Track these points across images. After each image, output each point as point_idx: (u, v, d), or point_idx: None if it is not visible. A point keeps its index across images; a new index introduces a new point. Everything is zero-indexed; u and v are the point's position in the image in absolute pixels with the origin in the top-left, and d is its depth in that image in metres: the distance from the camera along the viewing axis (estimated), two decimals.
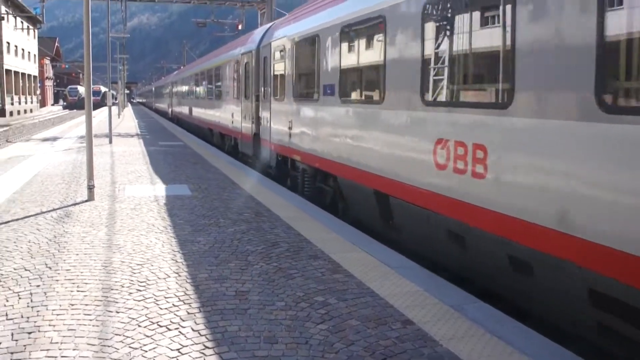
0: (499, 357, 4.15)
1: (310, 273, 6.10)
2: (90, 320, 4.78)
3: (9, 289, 5.50)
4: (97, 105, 72.20)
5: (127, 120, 43.72)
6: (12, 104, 61.67)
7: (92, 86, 10.78)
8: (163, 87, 57.91)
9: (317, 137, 10.43)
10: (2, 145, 26.13)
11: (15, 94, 63.59)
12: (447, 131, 6.32)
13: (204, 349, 4.26)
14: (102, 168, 14.51)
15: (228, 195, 10.80)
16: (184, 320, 4.78)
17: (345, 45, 9.28)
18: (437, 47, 6.65)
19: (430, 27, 6.74)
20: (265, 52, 14.52)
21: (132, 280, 5.80)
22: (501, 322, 4.81)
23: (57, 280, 5.77)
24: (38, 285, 5.61)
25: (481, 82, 6.19)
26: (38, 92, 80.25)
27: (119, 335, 4.49)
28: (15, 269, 6.11)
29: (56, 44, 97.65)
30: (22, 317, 4.82)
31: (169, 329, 4.61)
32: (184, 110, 35.47)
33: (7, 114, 57.17)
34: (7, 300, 5.20)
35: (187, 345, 4.31)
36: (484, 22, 5.93)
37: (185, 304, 5.17)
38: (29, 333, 4.50)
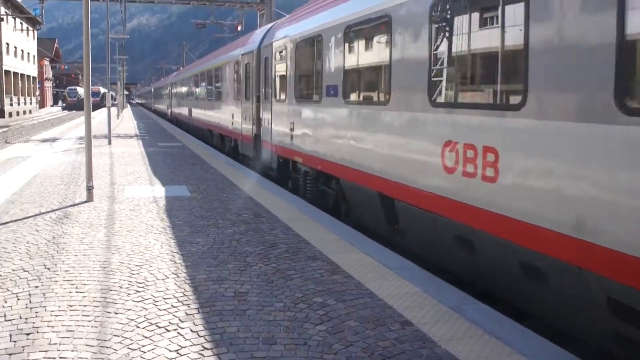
0: (497, 358, 4.15)
1: (309, 274, 6.10)
2: (89, 321, 4.77)
3: (8, 290, 5.49)
4: (96, 106, 72.18)
5: (126, 121, 43.71)
6: (11, 104, 61.64)
7: (91, 87, 10.78)
8: (162, 88, 57.90)
9: (320, 139, 10.26)
10: (1, 147, 26.10)
11: (15, 95, 63.57)
12: (456, 133, 6.14)
13: (202, 350, 4.26)
14: (101, 169, 14.50)
15: (227, 196, 10.79)
16: (182, 321, 4.78)
17: (349, 46, 9.13)
18: (446, 47, 6.48)
19: (438, 26, 6.56)
20: (267, 53, 14.37)
21: (130, 281, 5.80)
22: (500, 323, 4.81)
23: (55, 282, 5.76)
24: (37, 287, 5.60)
25: (492, 83, 5.93)
26: (37, 93, 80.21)
27: (118, 336, 4.48)
28: (13, 270, 6.11)
29: (55, 45, 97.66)
30: (20, 318, 4.82)
31: (168, 330, 4.60)
32: (184, 111, 35.44)
33: (6, 115, 57.15)
34: (6, 302, 5.20)
35: (185, 346, 4.31)
36: (495, 21, 5.70)
37: (184, 305, 5.17)
38: (28, 334, 4.49)
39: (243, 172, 14.64)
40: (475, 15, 5.97)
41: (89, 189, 10.23)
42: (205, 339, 4.44)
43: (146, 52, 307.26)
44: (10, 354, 4.14)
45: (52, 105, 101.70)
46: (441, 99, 6.55)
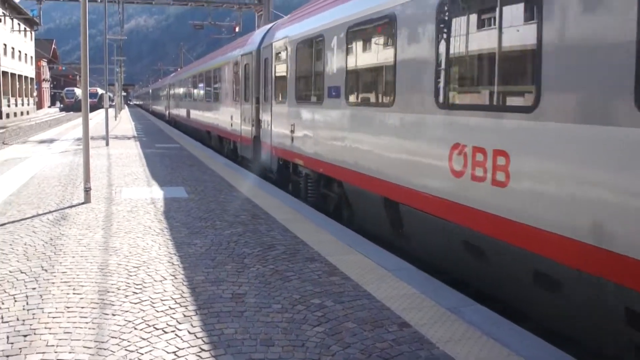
0: None
1: (307, 275, 6.10)
2: (87, 323, 4.77)
3: (5, 292, 5.48)
4: (94, 108, 72.10)
5: (124, 122, 43.67)
6: (9, 106, 61.56)
7: (89, 88, 10.77)
8: (160, 89, 57.84)
9: (322, 141, 10.06)
10: None
11: (12, 96, 63.48)
12: (465, 136, 5.93)
13: (200, 352, 4.25)
14: (98, 170, 14.49)
15: (224, 198, 10.79)
16: (180, 323, 4.78)
17: (352, 46, 8.92)
18: (454, 47, 6.28)
19: (446, 26, 6.35)
20: (266, 54, 14.18)
21: (128, 283, 5.79)
22: (498, 325, 4.81)
23: (53, 283, 5.75)
24: (34, 288, 5.59)
25: (503, 84, 5.73)
26: (35, 94, 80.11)
27: (115, 338, 4.48)
28: (11, 272, 6.10)
29: (53, 46, 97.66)
30: (17, 319, 4.81)
31: (166, 332, 4.60)
32: (182, 112, 35.36)
33: (4, 116, 57.09)
34: (3, 303, 5.19)
35: (183, 348, 4.31)
36: (506, 19, 5.47)
37: (181, 306, 5.16)
38: (25, 336, 4.49)
39: (240, 173, 14.63)
40: (485, 14, 5.76)
41: (87, 191, 10.22)
42: (203, 341, 4.43)
43: (144, 53, 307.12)
44: (7, 356, 4.13)
45: (49, 107, 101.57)
46: (448, 101, 6.36)
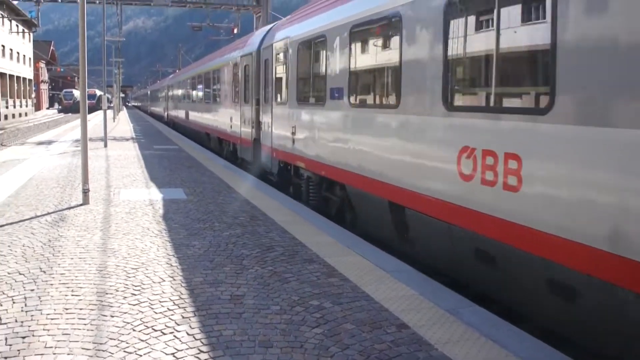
0: None
1: (306, 277, 6.10)
2: (85, 324, 4.76)
3: (3, 293, 5.48)
4: (92, 109, 72.08)
5: (122, 124, 43.66)
6: (7, 107, 61.51)
7: (87, 90, 10.77)
8: (159, 90, 57.79)
9: (324, 144, 9.87)
10: None
11: (10, 97, 63.44)
12: (474, 139, 5.74)
13: (198, 353, 4.25)
14: (97, 172, 14.48)
15: (223, 199, 10.79)
16: (178, 325, 4.77)
17: (355, 46, 8.71)
18: (463, 47, 6.10)
19: (454, 25, 6.15)
20: (267, 54, 14.00)
21: (126, 285, 5.79)
22: (496, 326, 4.82)
23: (51, 285, 5.75)
24: (32, 290, 5.59)
25: (515, 85, 5.57)
26: (33, 95, 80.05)
27: (114, 339, 4.47)
28: (9, 273, 6.09)
29: (51, 47, 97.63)
30: (16, 321, 4.80)
31: (164, 333, 4.60)
32: (180, 114, 35.31)
33: (2, 117, 57.03)
34: (1, 305, 5.18)
35: (182, 350, 4.30)
36: (518, 17, 5.29)
37: (180, 308, 5.16)
38: (23, 337, 4.48)
39: (239, 175, 14.63)
40: (496, 12, 5.53)
41: (85, 192, 10.21)
42: (202, 342, 4.43)
43: (142, 54, 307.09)
44: (5, 358, 4.13)
45: (48, 108, 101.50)
46: (457, 103, 6.20)
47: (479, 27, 5.83)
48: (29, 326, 4.70)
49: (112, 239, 7.65)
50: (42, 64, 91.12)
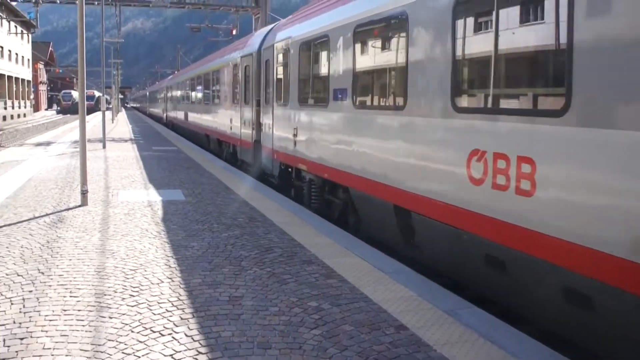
0: None
1: (304, 278, 6.10)
2: (83, 325, 4.76)
3: (1, 295, 5.47)
4: (90, 110, 72.09)
5: (121, 125, 43.65)
6: (6, 108, 61.49)
7: (85, 91, 10.76)
8: (157, 91, 57.75)
9: (327, 146, 9.64)
10: None
11: (9, 98, 63.42)
12: (484, 142, 5.54)
13: (197, 355, 4.25)
14: (95, 173, 14.47)
15: (222, 201, 10.78)
16: (177, 326, 4.77)
17: (359, 46, 8.48)
18: (473, 47, 5.90)
19: (463, 24, 5.95)
20: (267, 55, 13.77)
21: (125, 286, 5.79)
22: (495, 327, 4.82)
23: (49, 286, 5.74)
24: (30, 291, 5.58)
25: (529, 86, 5.37)
26: (32, 96, 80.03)
27: (112, 340, 4.47)
28: (7, 275, 6.09)
29: (50, 48, 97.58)
30: (14, 322, 4.80)
31: (162, 335, 4.59)
32: (179, 115, 35.25)
33: (1, 118, 56.98)
34: (0, 306, 5.18)
35: (180, 351, 4.30)
36: (531, 16, 5.10)
37: (178, 309, 5.16)
38: (21, 339, 4.48)
39: (238, 176, 14.63)
40: (508, 11, 5.36)
41: (84, 193, 10.21)
42: (200, 344, 4.43)
43: (141, 55, 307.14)
44: (4, 359, 4.13)
45: (46, 109, 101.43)
46: (466, 104, 6.01)
47: (489, 26, 5.61)
48: (27, 327, 4.70)
49: (110, 240, 7.64)
50: (40, 65, 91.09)
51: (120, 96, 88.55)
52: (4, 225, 8.43)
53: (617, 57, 4.20)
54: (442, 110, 6.28)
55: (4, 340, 4.45)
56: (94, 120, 47.25)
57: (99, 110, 39.51)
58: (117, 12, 39.25)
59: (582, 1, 4.47)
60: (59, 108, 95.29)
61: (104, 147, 22.11)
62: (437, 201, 6.33)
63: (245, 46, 17.10)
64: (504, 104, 5.52)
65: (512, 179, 5.15)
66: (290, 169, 12.23)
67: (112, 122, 44.98)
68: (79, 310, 5.09)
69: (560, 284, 4.80)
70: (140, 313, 5.05)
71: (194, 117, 28.43)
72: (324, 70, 9.85)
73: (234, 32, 39.15)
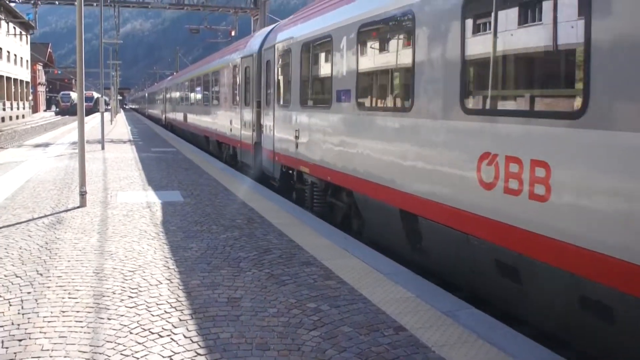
0: None
1: (303, 279, 6.10)
2: (82, 327, 4.76)
3: (0, 296, 5.47)
4: (89, 111, 72.05)
5: (120, 126, 43.64)
6: (4, 109, 61.44)
7: (84, 92, 10.76)
8: (156, 93, 57.73)
9: (330, 148, 9.44)
10: None
11: (7, 99, 63.37)
12: (496, 144, 5.36)
13: (196, 356, 4.25)
14: (94, 174, 14.46)
15: (220, 202, 10.78)
16: (176, 327, 4.77)
17: (363, 47, 8.31)
18: (483, 46, 5.69)
19: (473, 23, 5.77)
20: (268, 56, 13.58)
21: (123, 287, 5.78)
22: (494, 328, 4.82)
23: (48, 287, 5.74)
24: (29, 292, 5.58)
25: (543, 87, 5.20)
26: (30, 97, 79.98)
27: (111, 342, 4.47)
28: (5, 276, 6.08)
29: (49, 49, 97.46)
30: (12, 324, 4.80)
31: (161, 336, 4.59)
32: (179, 116, 35.19)
33: None
34: None
35: (179, 353, 4.30)
36: (546, 13, 4.92)
37: (177, 310, 5.15)
38: (20, 340, 4.47)
39: (237, 177, 14.62)
40: (521, 9, 5.18)
41: (82, 194, 10.20)
42: (199, 345, 4.43)
43: (140, 57, 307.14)
44: None
45: (45, 110, 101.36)
46: (477, 106, 5.82)
47: (502, 25, 5.44)
48: (26, 329, 4.69)
49: (109, 242, 7.64)
50: (39, 66, 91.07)
51: (119, 97, 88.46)
52: (3, 227, 8.42)
53: (638, 55, 4.04)
54: (450, 112, 6.12)
55: (2, 341, 4.44)
56: (92, 122, 47.23)
57: (98, 111, 39.51)
58: (115, 13, 39.28)
59: (601, 1, 4.30)
60: (57, 109, 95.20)
61: (103, 148, 22.11)
62: (445, 205, 6.16)
63: (245, 47, 16.95)
64: (517, 105, 5.36)
65: (526, 184, 4.99)
66: (291, 172, 12.05)
67: (111, 124, 44.95)
68: (77, 312, 5.09)
69: (577, 293, 4.62)
70: (139, 314, 5.05)
71: (193, 118, 28.35)
72: (326, 71, 9.67)
73: (233, 33, 39.17)
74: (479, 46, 5.76)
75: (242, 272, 6.33)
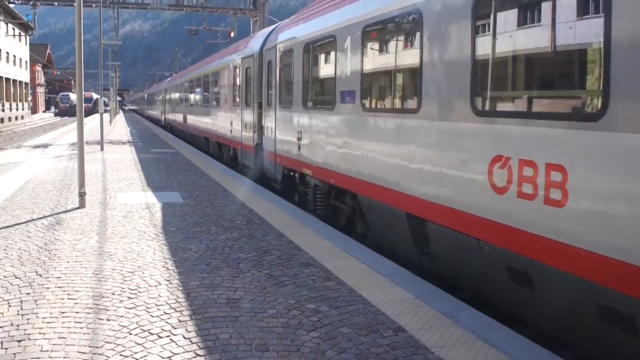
0: None
1: (302, 280, 6.10)
2: (81, 328, 4.75)
3: None
4: (88, 112, 72.02)
5: (119, 127, 43.63)
6: (3, 110, 61.42)
7: (83, 93, 10.76)
8: (156, 94, 57.69)
9: (333, 150, 9.27)
10: None
11: (7, 100, 63.37)
12: (509, 147, 5.20)
13: (195, 357, 4.24)
14: (93, 175, 14.46)
15: (220, 203, 10.78)
16: (175, 328, 4.77)
17: (368, 46, 8.14)
18: (496, 45, 5.49)
19: (485, 21, 5.59)
20: (270, 56, 13.42)
21: (123, 288, 5.78)
22: (493, 330, 4.82)
23: (47, 288, 5.73)
24: (28, 293, 5.58)
25: (559, 88, 5.03)
26: (29, 98, 79.97)
27: (110, 343, 4.46)
28: (5, 277, 6.07)
29: (48, 50, 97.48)
30: (12, 325, 4.79)
31: (160, 337, 4.59)
32: (178, 117, 35.12)
33: None
34: None
35: (178, 353, 4.30)
36: (563, 10, 4.76)
37: (176, 311, 5.15)
38: (19, 341, 4.47)
39: (236, 178, 14.62)
40: (533, 6, 5.03)
41: (81, 195, 10.20)
42: (198, 346, 4.43)
43: (139, 58, 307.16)
44: None
45: (44, 111, 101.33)
46: (488, 107, 5.64)
47: (515, 23, 5.27)
48: (25, 330, 4.69)
49: (108, 243, 7.63)
50: (38, 67, 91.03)
51: (118, 98, 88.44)
52: (2, 228, 8.42)
53: None
54: (460, 113, 5.95)
55: (2, 342, 4.44)
56: (91, 123, 47.22)
57: (97, 112, 39.50)
58: (114, 14, 39.27)
59: None
60: (56, 110, 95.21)
61: (102, 149, 22.10)
62: (454, 209, 5.99)
63: (246, 47, 16.80)
64: (531, 107, 5.18)
65: (541, 188, 4.82)
66: (293, 174, 11.86)
67: (110, 125, 44.92)
68: (76, 313, 5.08)
69: (595, 301, 4.47)
70: (138, 315, 5.05)
71: (193, 119, 28.27)
72: (330, 72, 9.50)
73: (232, 34, 39.17)
74: (490, 45, 5.57)
75: (242, 273, 6.32)
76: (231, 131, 18.21)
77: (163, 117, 46.77)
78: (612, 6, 4.16)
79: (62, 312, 5.09)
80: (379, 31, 7.94)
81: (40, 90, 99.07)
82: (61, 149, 23.37)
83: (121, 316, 5.02)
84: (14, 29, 64.63)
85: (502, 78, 5.60)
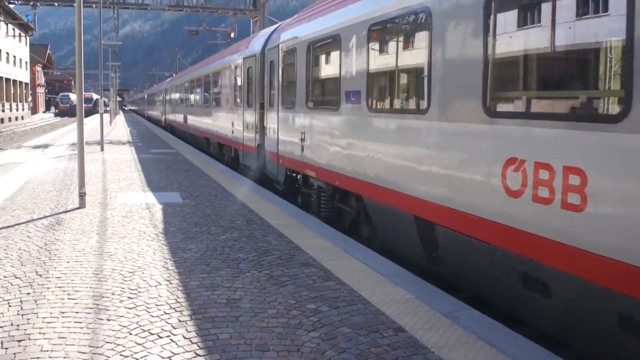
0: None
1: (302, 281, 6.10)
2: (81, 328, 4.76)
3: None
4: (88, 113, 72.03)
5: (119, 127, 43.64)
6: (3, 111, 61.44)
7: (83, 93, 10.76)
8: (156, 94, 57.65)
9: (338, 151, 9.09)
10: None
11: (7, 101, 63.39)
12: (523, 150, 5.03)
13: (195, 357, 4.25)
14: (93, 175, 14.46)
15: (220, 203, 10.78)
16: (175, 328, 4.77)
17: (374, 46, 7.97)
18: (510, 44, 5.35)
19: (497, 19, 5.41)
20: (272, 56, 13.25)
21: (123, 288, 5.78)
22: (493, 330, 4.82)
23: (47, 288, 5.74)
24: (28, 293, 5.58)
25: (577, 88, 4.87)
26: (29, 99, 79.99)
27: (110, 343, 4.47)
28: (5, 277, 6.08)
29: (48, 51, 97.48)
30: (12, 325, 4.79)
31: (160, 337, 4.59)
32: (179, 118, 35.05)
33: None
34: None
35: (178, 354, 4.30)
36: (579, 8, 4.63)
37: (176, 311, 5.15)
38: (19, 341, 4.47)
39: (236, 179, 14.62)
40: (553, 3, 4.84)
41: (81, 196, 10.20)
42: (198, 346, 4.43)
43: (139, 58, 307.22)
44: None
45: (44, 112, 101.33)
46: (501, 108, 5.49)
47: (530, 21, 5.10)
48: (25, 330, 4.69)
49: (108, 243, 7.63)
50: (38, 68, 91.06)
51: (118, 99, 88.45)
52: (2, 228, 8.42)
53: None
54: (471, 114, 5.76)
55: (2, 342, 4.44)
56: (92, 123, 47.22)
57: (97, 112, 39.51)
58: (115, 14, 39.27)
59: None
60: (56, 111, 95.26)
61: (102, 149, 22.10)
62: (466, 214, 5.81)
63: (247, 47, 16.66)
64: (547, 108, 5.04)
65: (558, 192, 4.65)
66: (296, 175, 11.71)
67: (110, 125, 44.93)
68: (76, 313, 5.08)
69: (616, 309, 4.31)
70: (139, 315, 5.05)
71: (193, 120, 28.17)
72: (334, 72, 9.31)
73: (232, 35, 39.18)
74: (504, 44, 5.41)
75: (242, 273, 6.33)
76: (232, 132, 18.04)
77: (163, 117, 46.73)
78: (635, 4, 4.00)
79: (62, 312, 5.09)
80: (385, 30, 7.78)
81: (40, 91, 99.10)
82: (61, 149, 23.37)
83: (121, 316, 5.02)
84: (14, 29, 64.63)
85: (515, 78, 5.47)
